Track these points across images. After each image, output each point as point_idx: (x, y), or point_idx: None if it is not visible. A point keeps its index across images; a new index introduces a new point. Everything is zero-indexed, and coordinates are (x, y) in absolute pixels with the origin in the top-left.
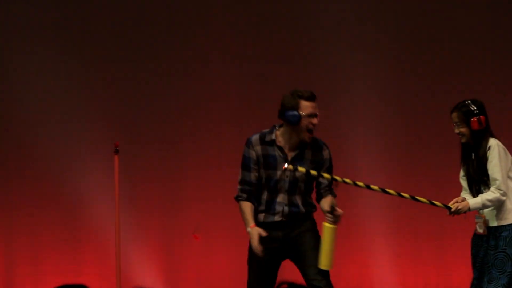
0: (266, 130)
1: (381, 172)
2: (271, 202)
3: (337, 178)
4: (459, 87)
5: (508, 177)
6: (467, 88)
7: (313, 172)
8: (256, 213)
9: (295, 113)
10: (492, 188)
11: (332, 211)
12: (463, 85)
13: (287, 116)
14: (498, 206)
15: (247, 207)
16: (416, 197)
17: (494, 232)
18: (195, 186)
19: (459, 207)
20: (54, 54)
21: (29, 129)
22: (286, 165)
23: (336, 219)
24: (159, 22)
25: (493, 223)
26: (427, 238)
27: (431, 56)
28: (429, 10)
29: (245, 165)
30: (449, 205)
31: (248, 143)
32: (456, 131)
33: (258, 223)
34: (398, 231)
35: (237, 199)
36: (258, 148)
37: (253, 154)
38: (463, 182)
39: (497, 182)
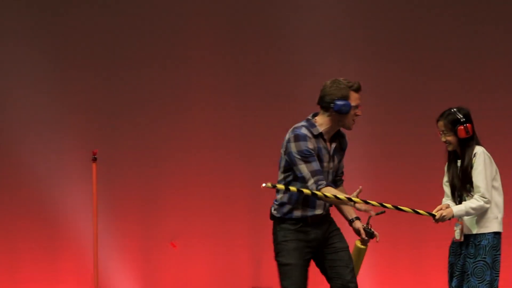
0: (302, 123)
1: (363, 179)
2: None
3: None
4: (441, 94)
5: (493, 186)
6: (454, 93)
7: (293, 188)
8: (292, 208)
9: (347, 102)
10: (475, 196)
11: (368, 229)
12: (446, 92)
13: (338, 105)
14: (480, 214)
15: (332, 188)
16: (399, 207)
17: (473, 240)
18: (173, 194)
19: (444, 214)
20: (32, 62)
21: (7, 137)
22: (264, 184)
23: (369, 238)
24: (138, 28)
25: (473, 231)
26: (404, 246)
27: (416, 62)
28: (413, 16)
29: (308, 157)
30: (433, 212)
31: (302, 137)
32: (443, 139)
33: (295, 219)
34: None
35: (318, 187)
36: (313, 141)
37: (311, 145)
38: (446, 188)
39: (481, 189)
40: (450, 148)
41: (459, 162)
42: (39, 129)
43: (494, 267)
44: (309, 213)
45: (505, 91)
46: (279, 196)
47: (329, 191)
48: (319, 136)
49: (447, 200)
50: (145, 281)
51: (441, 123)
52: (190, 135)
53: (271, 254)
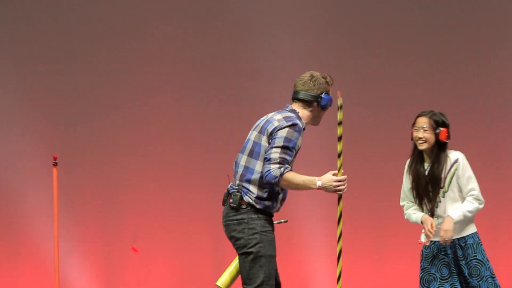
0: (291, 114)
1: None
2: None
3: None
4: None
5: None
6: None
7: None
8: (272, 202)
9: (330, 98)
10: (469, 199)
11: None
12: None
13: (325, 100)
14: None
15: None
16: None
17: (458, 243)
18: (135, 198)
19: (448, 228)
20: None
21: None
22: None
23: None
24: (98, 31)
25: (456, 236)
26: (366, 251)
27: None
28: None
29: (291, 150)
30: (428, 230)
31: (299, 130)
32: (420, 135)
33: (270, 214)
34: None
35: (284, 171)
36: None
37: (300, 143)
38: (409, 194)
39: (475, 192)
40: (423, 147)
41: (425, 165)
42: None
43: (486, 261)
44: (277, 207)
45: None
46: (255, 189)
47: (295, 174)
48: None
49: (414, 209)
50: (107, 286)
51: (424, 119)
52: (151, 139)
53: (235, 255)
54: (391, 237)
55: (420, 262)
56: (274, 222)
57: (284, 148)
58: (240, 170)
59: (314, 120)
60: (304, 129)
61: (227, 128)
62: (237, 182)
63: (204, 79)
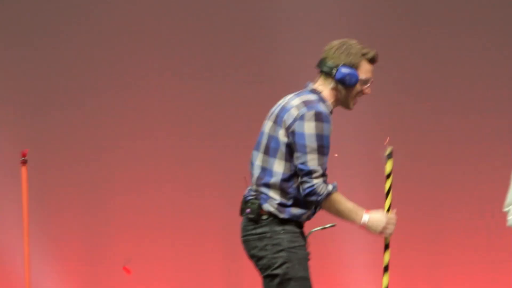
0: (311, 96)
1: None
2: None
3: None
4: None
5: None
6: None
7: None
8: (289, 205)
9: (354, 72)
10: None
11: None
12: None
13: (342, 73)
14: None
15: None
16: None
17: None
18: (126, 204)
19: None
20: None
21: None
22: None
23: None
24: (82, 23)
25: None
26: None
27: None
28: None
29: (326, 148)
30: None
31: (325, 117)
32: None
33: (299, 222)
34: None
35: (332, 190)
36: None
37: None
38: None
39: None
40: None
41: None
42: None
43: None
44: (308, 214)
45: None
46: (277, 194)
47: (341, 197)
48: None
49: None
50: None
51: None
52: (145, 131)
53: (250, 274)
54: (449, 255)
55: None
56: (315, 229)
57: (320, 150)
58: (257, 172)
59: (342, 101)
60: (331, 112)
61: (242, 116)
62: (254, 186)
63: (211, 54)
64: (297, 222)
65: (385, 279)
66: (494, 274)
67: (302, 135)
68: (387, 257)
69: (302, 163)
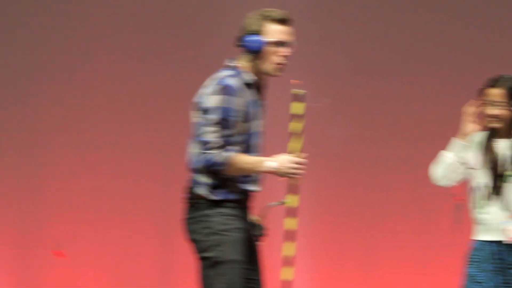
0: (225, 72)
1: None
2: None
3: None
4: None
5: None
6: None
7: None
8: (232, 184)
9: (257, 37)
10: None
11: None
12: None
13: (246, 41)
14: None
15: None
16: None
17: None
18: (60, 189)
19: None
20: None
21: None
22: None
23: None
24: (34, 21)
25: None
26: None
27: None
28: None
29: (229, 121)
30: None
31: (233, 90)
32: (490, 112)
33: (235, 200)
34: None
35: (230, 154)
36: (247, 93)
37: (241, 105)
38: (483, 175)
39: None
40: (496, 125)
41: (498, 144)
42: None
43: None
44: (248, 187)
45: None
46: (204, 177)
47: (237, 156)
48: (253, 85)
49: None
50: None
51: (498, 91)
52: (82, 115)
53: (184, 259)
54: (383, 238)
55: (469, 269)
56: (268, 205)
57: (223, 123)
58: (188, 159)
59: (261, 70)
60: (252, 83)
61: (187, 100)
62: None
63: (153, 35)
64: (237, 203)
65: (288, 248)
66: (428, 257)
67: (207, 109)
68: (291, 223)
69: (202, 135)
